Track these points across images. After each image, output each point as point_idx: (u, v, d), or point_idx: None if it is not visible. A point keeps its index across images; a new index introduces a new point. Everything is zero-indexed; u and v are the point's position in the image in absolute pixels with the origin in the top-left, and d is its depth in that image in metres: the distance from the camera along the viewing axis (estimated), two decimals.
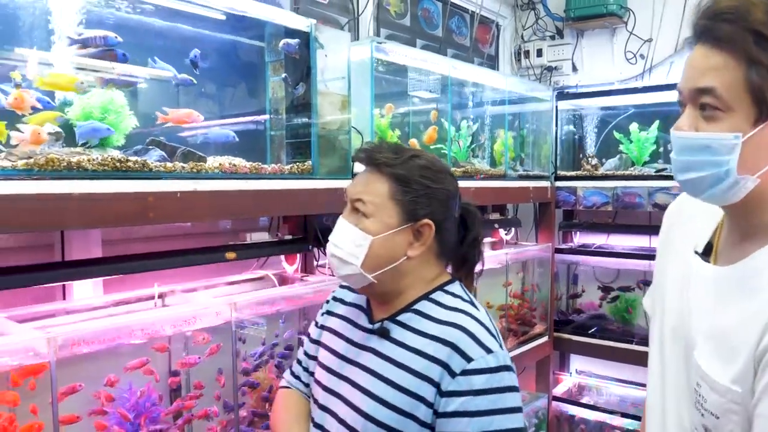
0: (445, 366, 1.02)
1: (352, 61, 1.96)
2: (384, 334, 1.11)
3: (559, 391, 3.39)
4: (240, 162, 1.64)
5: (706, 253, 0.94)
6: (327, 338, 1.22)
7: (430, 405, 1.02)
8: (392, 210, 1.09)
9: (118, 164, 1.33)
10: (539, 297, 3.21)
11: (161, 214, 1.41)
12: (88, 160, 1.28)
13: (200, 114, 1.60)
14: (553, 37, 3.49)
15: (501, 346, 1.06)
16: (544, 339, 3.14)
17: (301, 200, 1.76)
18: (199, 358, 1.58)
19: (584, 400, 3.37)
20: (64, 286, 1.64)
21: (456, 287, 1.15)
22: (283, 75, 1.87)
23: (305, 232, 2.06)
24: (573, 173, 3.21)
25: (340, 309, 1.24)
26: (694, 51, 0.83)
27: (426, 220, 1.09)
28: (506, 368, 1.04)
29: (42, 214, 1.21)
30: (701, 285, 0.91)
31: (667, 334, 0.98)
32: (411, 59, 2.23)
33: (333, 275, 2.03)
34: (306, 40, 1.79)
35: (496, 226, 3.04)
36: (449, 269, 1.20)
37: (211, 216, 1.54)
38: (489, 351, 1.03)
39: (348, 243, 1.09)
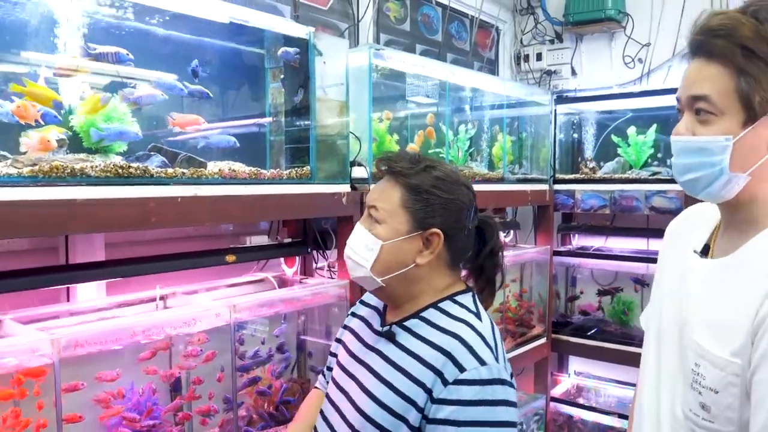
0: (439, 374, 1.04)
1: (351, 67, 2.00)
2: (390, 337, 1.15)
3: (557, 392, 3.42)
4: (239, 167, 1.67)
5: (704, 252, 1.02)
6: (347, 338, 1.28)
7: (420, 410, 1.05)
8: (403, 217, 1.13)
9: (120, 170, 1.37)
10: (537, 299, 3.24)
11: (162, 219, 1.45)
12: (91, 167, 1.32)
13: (204, 119, 1.66)
14: (552, 42, 3.52)
15: (498, 359, 1.07)
16: (542, 340, 3.17)
17: (299, 204, 1.80)
18: (201, 350, 1.62)
19: (582, 402, 3.39)
20: (68, 288, 1.68)
21: (466, 298, 1.18)
22: (281, 78, 1.90)
23: (305, 235, 2.10)
24: (571, 176, 3.23)
25: (362, 311, 1.31)
26: (691, 64, 0.94)
27: (435, 229, 1.13)
28: (500, 381, 1.05)
29: (46, 220, 1.25)
30: (698, 278, 1.00)
31: (664, 329, 1.05)
32: (409, 65, 2.27)
33: (332, 278, 2.08)
34: (305, 47, 1.83)
35: None
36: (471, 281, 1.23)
37: (211, 220, 1.58)
38: (483, 363, 1.04)
39: (361, 247, 1.15)
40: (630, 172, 3.07)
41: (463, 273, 1.24)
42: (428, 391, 1.05)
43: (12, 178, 1.21)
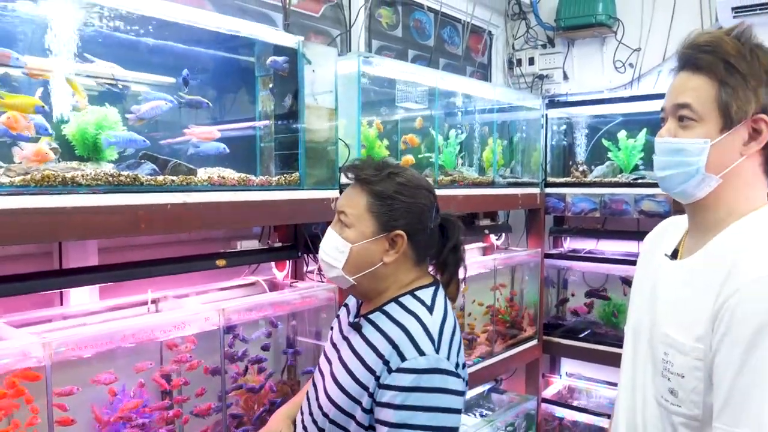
0: (386, 362, 1.15)
1: (341, 74, 2.04)
2: (357, 328, 1.27)
3: (549, 393, 3.45)
4: (229, 174, 1.71)
5: (674, 255, 1.12)
6: (334, 325, 1.41)
7: (371, 395, 1.17)
8: (369, 221, 1.23)
9: (110, 179, 1.41)
10: (528, 301, 3.28)
11: (152, 226, 1.49)
12: (82, 176, 1.36)
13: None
14: (544, 46, 3.55)
15: (439, 350, 1.16)
16: (534, 342, 3.21)
17: (288, 210, 1.84)
18: (191, 356, 1.65)
19: (574, 403, 3.43)
20: (61, 292, 1.72)
21: (426, 293, 1.26)
22: (270, 86, 1.94)
23: (295, 239, 2.14)
24: (562, 180, 3.27)
25: (350, 301, 1.43)
26: (678, 76, 1.05)
27: (399, 231, 1.23)
28: (438, 371, 1.14)
29: (38, 228, 1.29)
30: (667, 278, 1.10)
31: (639, 328, 1.15)
32: (398, 72, 2.30)
33: (321, 281, 2.11)
34: (294, 56, 1.87)
35: (487, 231, 3.11)
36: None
37: (201, 227, 1.61)
38: (422, 353, 1.14)
39: (332, 249, 1.25)
40: (620, 176, 3.10)
41: (431, 268, 1.34)
42: (377, 378, 1.16)
43: (3, 187, 1.24)
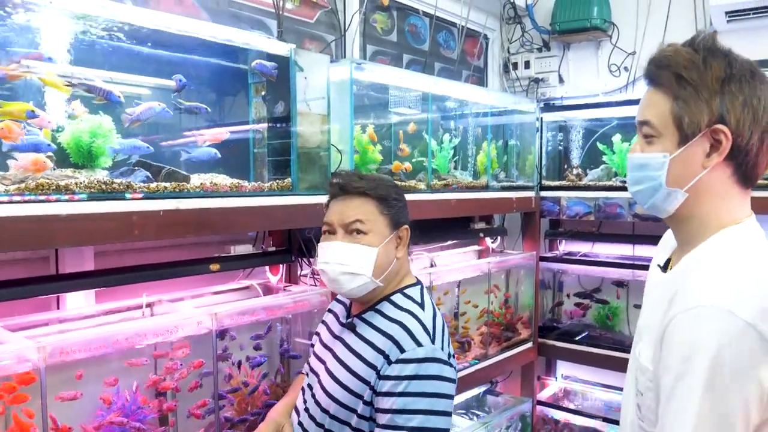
0: (386, 356, 1.25)
1: (334, 81, 2.07)
2: (351, 328, 1.36)
3: (545, 395, 3.47)
4: (221, 180, 1.74)
5: (666, 266, 1.12)
6: (322, 330, 1.49)
7: (372, 388, 1.26)
8: (383, 223, 1.36)
9: (103, 186, 1.44)
10: (523, 304, 3.30)
11: (145, 232, 1.52)
12: (76, 184, 1.39)
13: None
14: (540, 50, 3.57)
15: (434, 341, 1.26)
16: (529, 345, 3.23)
17: (281, 215, 1.87)
18: (181, 364, 1.68)
19: (570, 405, 3.45)
20: (57, 296, 1.75)
21: (414, 291, 1.39)
22: (263, 93, 1.97)
23: (289, 244, 2.16)
24: (556, 183, 3.29)
25: (335, 307, 1.53)
26: (645, 91, 1.05)
27: (405, 226, 1.40)
28: (434, 360, 1.24)
29: (33, 235, 1.32)
30: (653, 290, 1.12)
31: (635, 341, 1.15)
32: (391, 77, 2.33)
33: (315, 285, 2.14)
34: (287, 63, 1.90)
35: (482, 235, 3.13)
36: None
37: (194, 233, 1.64)
38: (419, 344, 1.24)
39: (356, 259, 1.31)
40: (615, 179, 3.12)
41: None
42: (377, 371, 1.25)
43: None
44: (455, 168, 2.78)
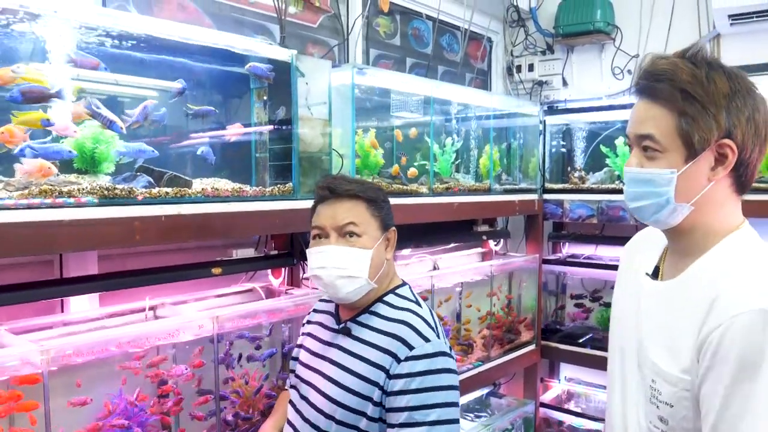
0: (393, 355, 1.25)
1: (336, 85, 2.08)
2: (347, 332, 1.35)
3: (548, 397, 3.47)
4: (222, 186, 1.76)
5: (655, 274, 1.12)
6: (307, 341, 1.48)
7: (381, 388, 1.25)
8: (374, 225, 1.36)
9: (105, 192, 1.46)
10: (526, 306, 3.30)
11: (147, 237, 1.54)
12: (78, 190, 1.41)
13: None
14: (543, 53, 3.58)
15: (438, 336, 1.29)
16: (532, 347, 3.23)
17: (282, 220, 1.88)
18: (186, 368, 1.71)
19: (572, 407, 3.45)
20: (62, 299, 1.77)
21: (404, 290, 1.41)
22: (264, 98, 1.99)
23: (291, 247, 2.18)
24: (559, 186, 3.29)
25: (316, 317, 1.52)
26: (637, 104, 1.04)
27: (393, 228, 1.42)
28: (442, 353, 1.26)
29: (36, 240, 1.34)
30: (651, 299, 1.09)
31: (626, 347, 1.14)
32: (393, 82, 2.34)
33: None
34: (288, 69, 1.91)
35: (484, 237, 3.13)
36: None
37: (195, 237, 1.66)
38: (427, 340, 1.25)
39: (352, 262, 1.31)
40: (618, 182, 3.12)
41: None
42: (386, 371, 1.25)
43: (3, 200, 1.30)
44: (457, 171, 2.79)
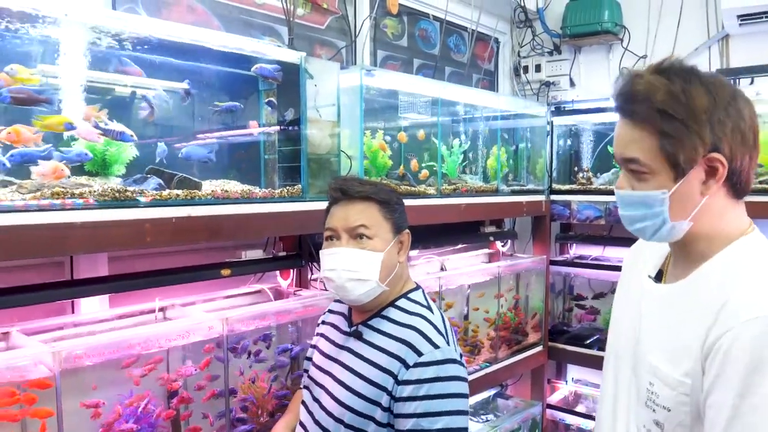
0: (402, 361, 1.24)
1: (344, 87, 2.08)
2: (358, 336, 1.34)
3: (555, 398, 3.47)
4: (232, 188, 1.76)
5: (658, 277, 1.11)
6: (320, 342, 1.47)
7: (390, 393, 1.23)
8: (386, 227, 1.35)
9: (117, 194, 1.47)
10: (533, 307, 3.29)
11: (157, 239, 1.54)
12: (90, 192, 1.42)
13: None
14: (551, 53, 3.57)
15: (449, 342, 1.27)
16: (539, 348, 3.23)
17: (292, 221, 1.88)
18: (195, 369, 1.71)
19: (580, 409, 3.44)
20: (72, 301, 1.78)
21: (418, 294, 1.39)
22: (272, 99, 1.99)
23: (300, 248, 2.18)
24: (567, 187, 3.28)
25: (330, 318, 1.51)
26: (619, 123, 1.02)
27: (406, 231, 1.40)
28: (452, 361, 1.24)
29: (49, 242, 1.34)
30: (653, 302, 1.08)
31: (621, 349, 1.14)
32: (401, 83, 2.34)
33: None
34: (297, 71, 1.92)
35: (491, 238, 3.13)
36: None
37: (205, 239, 1.66)
38: (436, 347, 1.24)
39: (363, 264, 1.30)
40: None
41: None
42: (395, 377, 1.24)
43: (15, 202, 1.30)
44: (464, 172, 2.79)
